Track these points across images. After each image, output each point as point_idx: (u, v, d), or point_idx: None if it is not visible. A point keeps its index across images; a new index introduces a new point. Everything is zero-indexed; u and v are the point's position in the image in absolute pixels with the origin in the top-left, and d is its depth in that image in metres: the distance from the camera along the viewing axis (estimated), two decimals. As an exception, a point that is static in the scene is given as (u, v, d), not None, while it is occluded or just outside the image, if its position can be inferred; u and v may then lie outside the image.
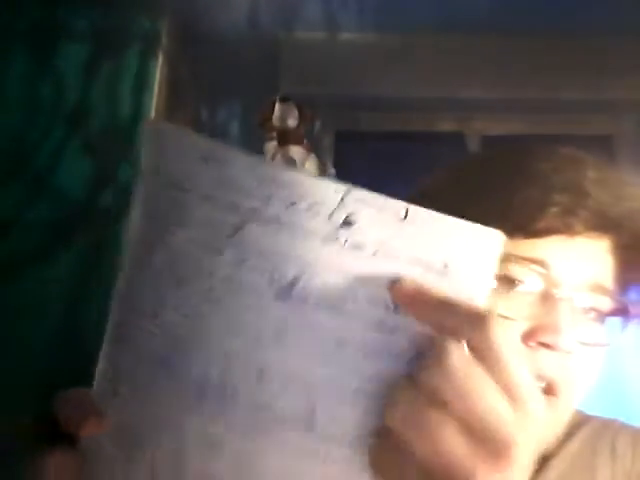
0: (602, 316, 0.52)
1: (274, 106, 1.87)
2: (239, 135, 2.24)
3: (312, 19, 2.10)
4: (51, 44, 1.72)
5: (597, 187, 0.51)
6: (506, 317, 0.49)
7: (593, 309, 0.52)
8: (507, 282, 0.51)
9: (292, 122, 1.86)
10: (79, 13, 1.75)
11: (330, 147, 2.23)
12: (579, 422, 0.61)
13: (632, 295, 0.57)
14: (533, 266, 0.51)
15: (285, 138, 1.86)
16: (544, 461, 0.57)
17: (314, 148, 1.99)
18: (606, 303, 0.52)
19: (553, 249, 0.51)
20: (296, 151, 1.86)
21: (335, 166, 2.04)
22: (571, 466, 0.58)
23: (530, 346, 0.50)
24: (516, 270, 0.51)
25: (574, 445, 0.59)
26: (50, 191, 1.57)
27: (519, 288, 0.51)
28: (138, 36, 1.76)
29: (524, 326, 0.50)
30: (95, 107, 1.67)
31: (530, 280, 0.51)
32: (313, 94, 2.09)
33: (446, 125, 2.25)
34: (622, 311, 0.53)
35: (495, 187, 0.53)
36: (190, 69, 2.12)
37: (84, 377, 1.42)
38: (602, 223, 0.51)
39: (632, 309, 0.53)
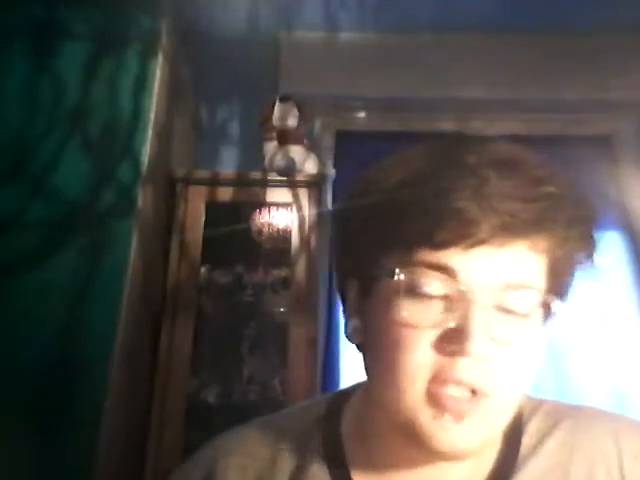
0: (526, 314, 0.52)
1: (274, 106, 1.87)
2: (239, 135, 2.25)
3: (312, 19, 2.10)
4: (51, 44, 1.72)
5: (501, 194, 0.50)
6: (416, 325, 0.50)
7: (511, 309, 0.51)
8: (416, 289, 0.51)
9: (292, 122, 1.86)
10: (79, 13, 1.75)
11: (330, 147, 2.23)
12: (555, 419, 0.60)
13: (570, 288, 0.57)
14: (438, 273, 0.50)
15: (285, 138, 1.86)
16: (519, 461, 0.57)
17: (314, 148, 1.99)
18: (527, 301, 0.51)
19: (458, 255, 0.50)
20: (296, 151, 1.86)
21: (335, 166, 2.04)
22: (546, 467, 0.56)
23: (444, 353, 0.49)
24: (424, 277, 0.51)
25: (549, 446, 0.57)
26: (50, 191, 1.57)
27: (429, 295, 0.51)
28: (138, 36, 1.76)
29: (436, 333, 0.50)
30: (95, 107, 1.67)
31: (438, 286, 0.50)
32: (313, 94, 2.09)
33: (446, 125, 2.25)
34: (546, 306, 0.53)
35: (400, 199, 0.53)
36: (190, 69, 2.12)
37: (84, 377, 1.44)
38: (508, 230, 0.50)
39: (552, 305, 0.53)
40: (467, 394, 0.50)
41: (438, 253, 0.50)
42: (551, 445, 0.57)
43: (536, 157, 0.55)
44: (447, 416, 0.49)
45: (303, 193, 1.85)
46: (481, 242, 0.50)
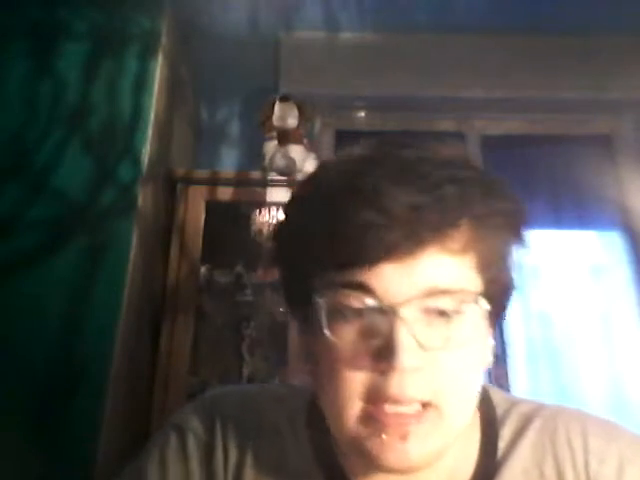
0: (457, 313, 0.50)
1: (274, 106, 1.87)
2: (239, 135, 2.25)
3: (312, 19, 2.10)
4: (51, 44, 1.72)
5: (397, 203, 0.48)
6: (344, 347, 0.49)
7: (440, 311, 0.50)
8: (338, 310, 0.50)
9: (292, 122, 1.86)
10: (79, 13, 1.76)
11: (330, 147, 2.23)
12: (524, 421, 0.59)
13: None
14: (355, 291, 0.49)
15: (285, 137, 1.86)
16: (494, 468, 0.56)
17: (314, 148, 1.99)
18: (455, 302, 0.50)
19: (368, 270, 0.49)
20: (296, 150, 1.86)
21: (335, 166, 2.04)
22: (523, 469, 0.56)
23: (376, 371, 0.48)
24: (342, 295, 0.50)
25: (524, 447, 0.57)
26: (50, 191, 1.58)
27: (352, 314, 0.50)
28: (138, 36, 1.76)
29: (366, 352, 0.49)
30: (95, 107, 1.67)
31: (360, 304, 0.50)
32: (313, 94, 2.09)
33: (446, 125, 2.25)
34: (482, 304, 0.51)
35: (308, 222, 0.53)
36: (190, 69, 2.12)
37: (83, 377, 1.44)
38: (411, 239, 0.48)
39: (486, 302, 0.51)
40: (415, 408, 0.48)
41: (348, 272, 0.49)
42: (525, 446, 0.57)
43: (439, 151, 0.54)
44: (385, 436, 0.48)
45: (303, 193, 1.85)
46: (386, 256, 0.49)
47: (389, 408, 0.48)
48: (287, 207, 0.58)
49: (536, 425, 0.58)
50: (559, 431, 0.58)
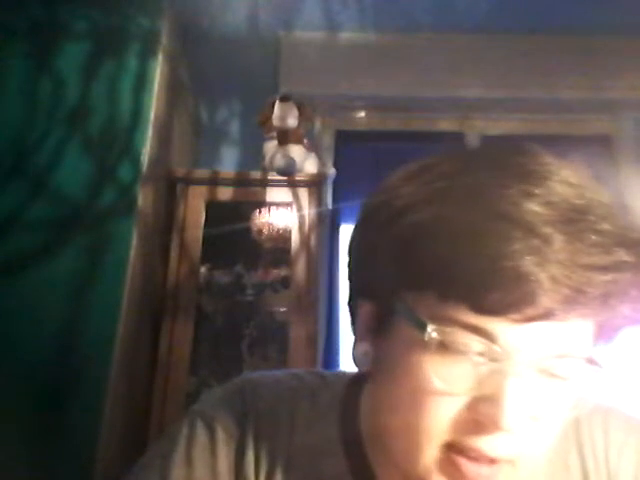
0: (567, 380, 0.46)
1: (274, 106, 1.87)
2: (239, 135, 2.25)
3: (312, 19, 2.10)
4: (51, 44, 1.72)
5: (566, 261, 0.41)
6: (441, 389, 0.44)
7: (553, 375, 0.45)
8: (451, 348, 0.44)
9: (292, 122, 1.86)
10: (79, 13, 1.76)
11: (330, 147, 2.23)
12: None
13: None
14: (475, 335, 0.43)
15: (285, 137, 1.86)
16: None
17: (314, 148, 1.99)
18: (570, 368, 0.45)
19: (504, 324, 0.43)
20: (296, 151, 1.86)
21: (335, 166, 2.04)
22: (549, 458, 0.53)
23: (470, 423, 0.44)
24: (461, 336, 0.43)
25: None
26: (50, 191, 1.58)
27: (460, 355, 0.44)
28: (138, 36, 1.76)
29: (467, 399, 0.44)
30: (95, 107, 1.67)
31: (475, 349, 0.43)
32: (313, 94, 2.09)
33: (446, 125, 2.25)
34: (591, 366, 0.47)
35: (435, 235, 0.44)
36: (190, 69, 2.12)
37: (83, 376, 1.45)
38: (570, 306, 0.42)
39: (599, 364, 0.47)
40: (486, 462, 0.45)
41: (480, 317, 0.43)
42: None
43: (599, 192, 0.48)
44: None
45: (303, 193, 1.85)
46: (535, 318, 0.42)
47: (468, 460, 0.45)
48: (409, 187, 0.48)
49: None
50: (582, 424, 0.57)
